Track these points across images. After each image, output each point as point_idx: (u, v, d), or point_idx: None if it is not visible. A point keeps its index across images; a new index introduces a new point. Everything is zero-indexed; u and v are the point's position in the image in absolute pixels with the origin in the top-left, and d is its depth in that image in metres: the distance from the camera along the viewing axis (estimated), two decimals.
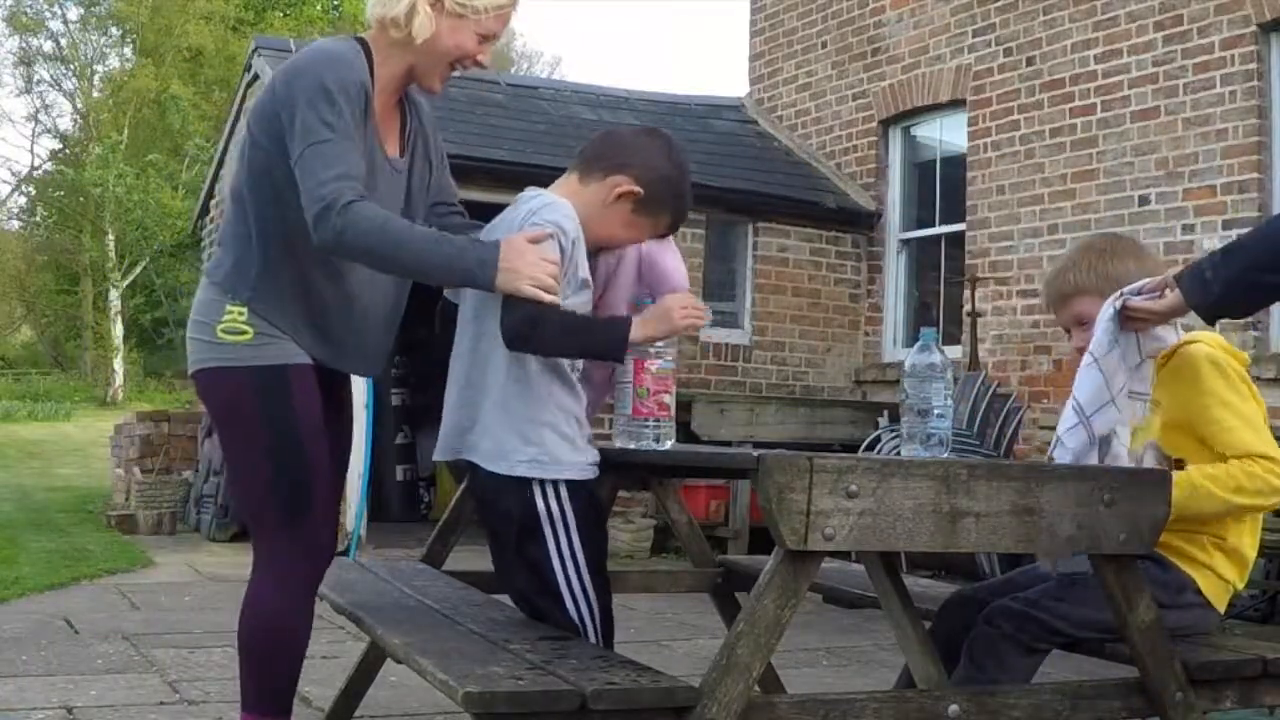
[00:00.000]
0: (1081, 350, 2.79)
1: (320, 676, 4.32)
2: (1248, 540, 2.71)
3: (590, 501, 2.68)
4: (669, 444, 2.69)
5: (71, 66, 32.91)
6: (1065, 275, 2.82)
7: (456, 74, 2.82)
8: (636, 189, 2.68)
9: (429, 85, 2.80)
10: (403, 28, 2.67)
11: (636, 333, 2.61)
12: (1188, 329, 2.81)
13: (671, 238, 2.85)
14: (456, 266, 2.53)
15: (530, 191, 2.75)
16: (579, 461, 2.63)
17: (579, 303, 2.64)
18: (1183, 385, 2.67)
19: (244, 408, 2.65)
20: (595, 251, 2.74)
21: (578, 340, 2.60)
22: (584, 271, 2.65)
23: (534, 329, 2.52)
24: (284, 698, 2.70)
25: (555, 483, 2.60)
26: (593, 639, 2.67)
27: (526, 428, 2.59)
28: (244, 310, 2.65)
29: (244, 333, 2.64)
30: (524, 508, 2.61)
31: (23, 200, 36.42)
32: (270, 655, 2.68)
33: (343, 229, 2.48)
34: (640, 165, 2.70)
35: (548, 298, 2.49)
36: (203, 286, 2.75)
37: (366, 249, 2.51)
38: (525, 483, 2.60)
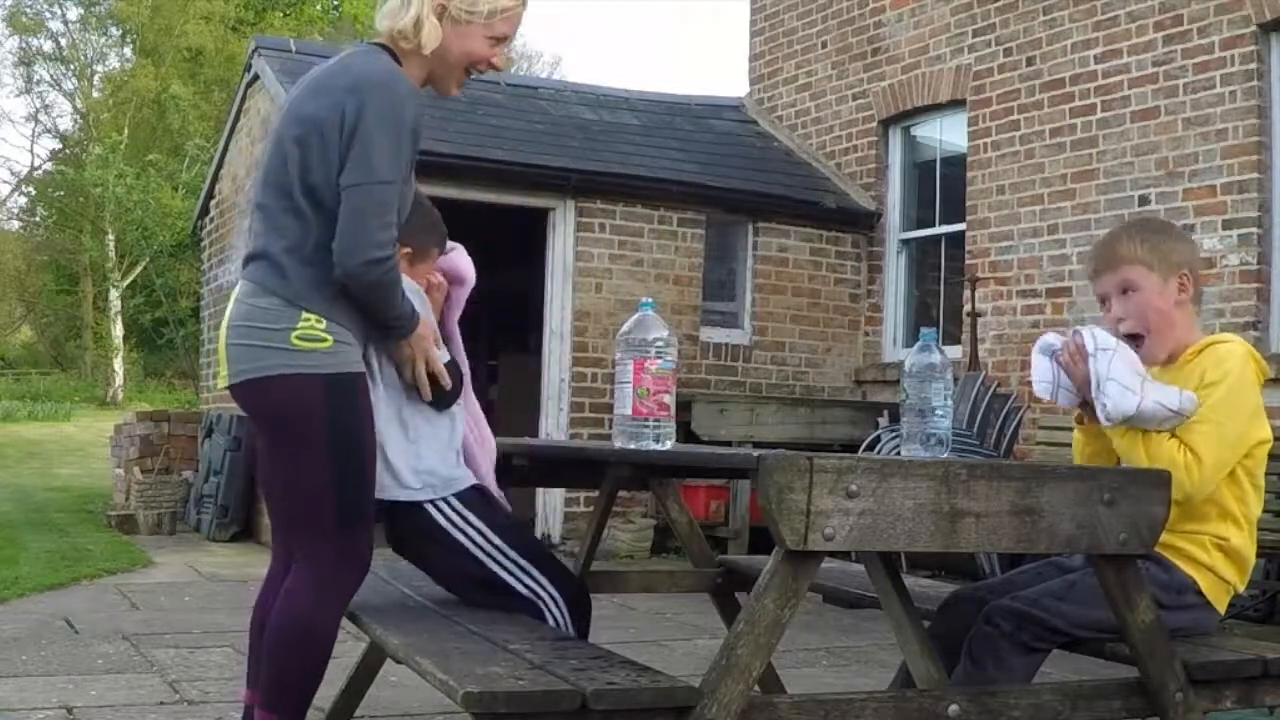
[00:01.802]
0: (1118, 321, 2.80)
1: None
2: (1249, 542, 2.71)
3: (479, 493, 2.94)
4: (669, 444, 2.69)
5: (71, 66, 32.90)
6: (1122, 242, 2.82)
7: (473, 78, 2.91)
8: (405, 249, 2.88)
9: (445, 90, 2.89)
10: (411, 39, 2.74)
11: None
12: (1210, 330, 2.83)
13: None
14: (397, 329, 2.80)
15: None
16: (459, 476, 2.93)
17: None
18: (1203, 368, 2.68)
19: (316, 415, 2.65)
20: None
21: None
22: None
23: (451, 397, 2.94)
24: (304, 700, 2.72)
25: (445, 499, 2.89)
26: (556, 613, 2.85)
27: (414, 461, 2.89)
28: (322, 318, 2.66)
29: (324, 340, 2.65)
30: (429, 526, 2.88)
31: (23, 200, 36.43)
32: (298, 658, 2.69)
33: (377, 284, 2.65)
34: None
35: (423, 384, 2.85)
36: (253, 293, 2.71)
37: (376, 301, 2.69)
38: (419, 508, 2.88)
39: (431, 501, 2.88)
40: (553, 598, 2.88)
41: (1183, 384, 2.70)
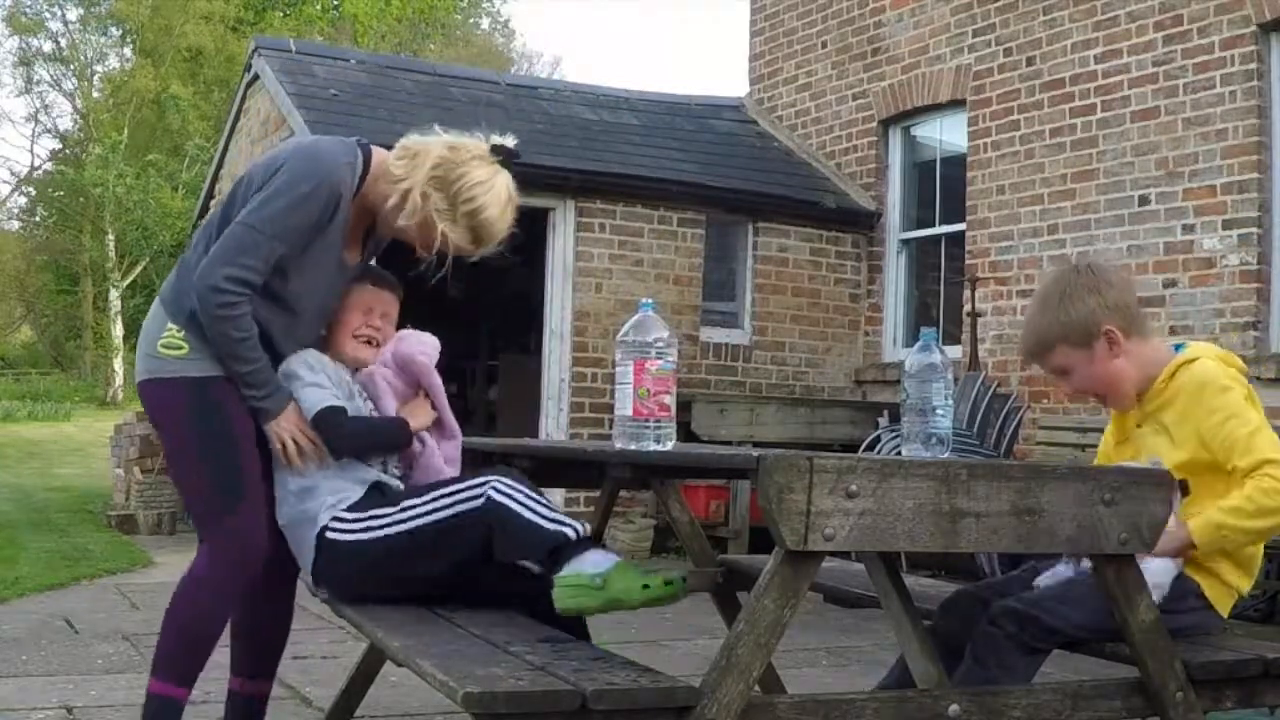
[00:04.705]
0: (1077, 392, 2.83)
1: (320, 676, 4.32)
2: (1256, 547, 2.70)
3: (376, 489, 2.94)
4: (669, 444, 2.69)
5: (71, 66, 32.89)
6: (1032, 332, 2.83)
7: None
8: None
9: (378, 223, 3.05)
10: (394, 191, 2.89)
11: (413, 425, 3.03)
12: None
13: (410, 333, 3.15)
14: (254, 396, 2.90)
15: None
16: (330, 499, 2.92)
17: (353, 407, 2.99)
18: (1189, 403, 2.67)
19: (179, 414, 2.93)
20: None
21: (368, 436, 3.00)
22: (347, 384, 3.03)
23: (333, 442, 2.93)
24: (184, 669, 2.94)
25: (336, 520, 2.89)
26: (520, 498, 2.74)
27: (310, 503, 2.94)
28: (181, 330, 2.91)
29: (180, 348, 2.91)
30: (351, 557, 2.86)
31: (23, 200, 36.44)
32: (181, 630, 2.94)
33: (211, 316, 2.83)
34: None
35: (293, 456, 2.91)
36: (154, 305, 3.02)
37: (212, 335, 2.85)
38: (335, 548, 2.88)
39: (325, 532, 2.87)
40: (508, 487, 2.76)
41: (1166, 412, 2.71)
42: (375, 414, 3.05)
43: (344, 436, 2.94)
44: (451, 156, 2.90)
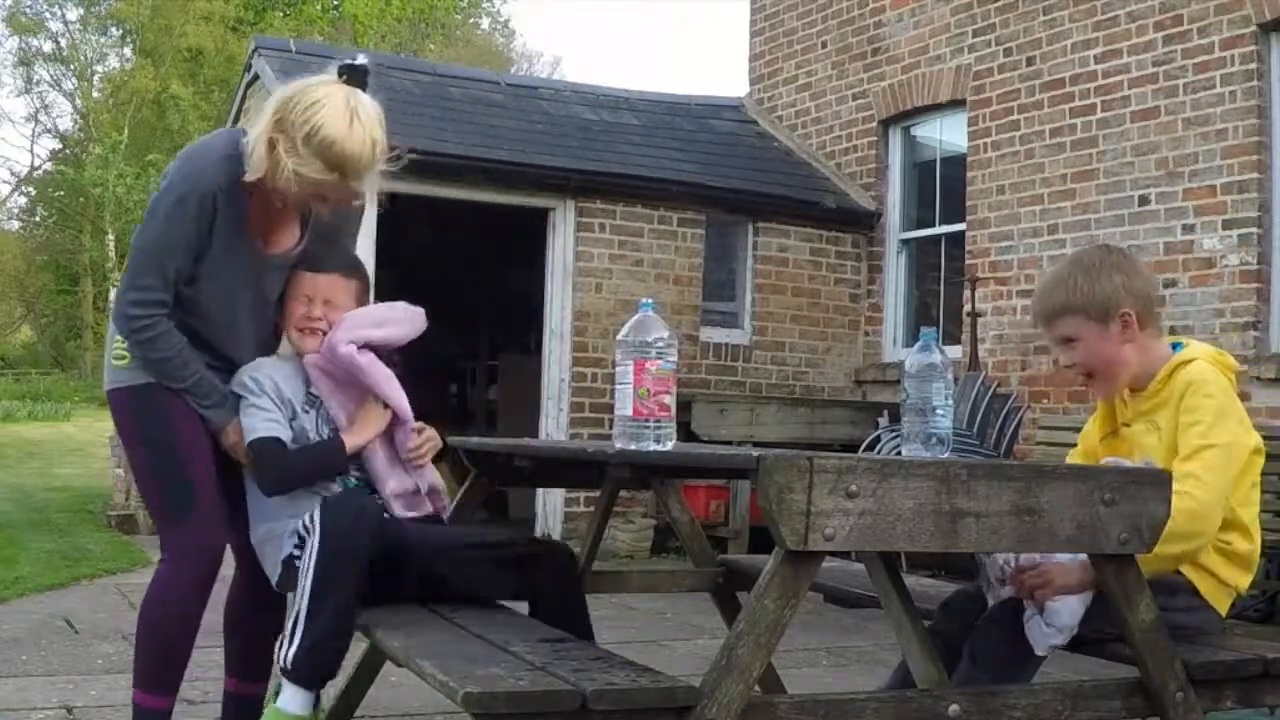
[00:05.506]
0: (1069, 368, 2.83)
1: None
2: (1254, 545, 2.70)
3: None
4: (669, 444, 2.68)
5: (71, 67, 32.92)
6: (1052, 294, 2.82)
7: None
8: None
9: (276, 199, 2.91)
10: (249, 155, 2.78)
11: (350, 443, 2.96)
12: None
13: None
14: (199, 404, 2.92)
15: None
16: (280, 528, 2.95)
17: (297, 425, 2.97)
18: (1177, 402, 2.67)
19: (129, 422, 3.00)
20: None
21: (300, 471, 2.95)
22: (290, 402, 2.98)
23: (262, 478, 2.93)
24: (163, 678, 2.93)
25: (293, 555, 2.88)
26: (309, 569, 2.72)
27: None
28: (124, 341, 2.94)
29: (123, 358, 2.96)
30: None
31: (23, 200, 36.45)
32: (151, 640, 2.93)
33: (139, 342, 2.86)
34: None
35: (242, 458, 2.94)
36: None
37: (145, 365, 2.89)
38: (289, 561, 2.90)
39: (292, 559, 2.87)
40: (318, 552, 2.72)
41: (1161, 412, 2.70)
42: (327, 413, 3.02)
43: (269, 470, 2.92)
44: (288, 94, 2.72)
